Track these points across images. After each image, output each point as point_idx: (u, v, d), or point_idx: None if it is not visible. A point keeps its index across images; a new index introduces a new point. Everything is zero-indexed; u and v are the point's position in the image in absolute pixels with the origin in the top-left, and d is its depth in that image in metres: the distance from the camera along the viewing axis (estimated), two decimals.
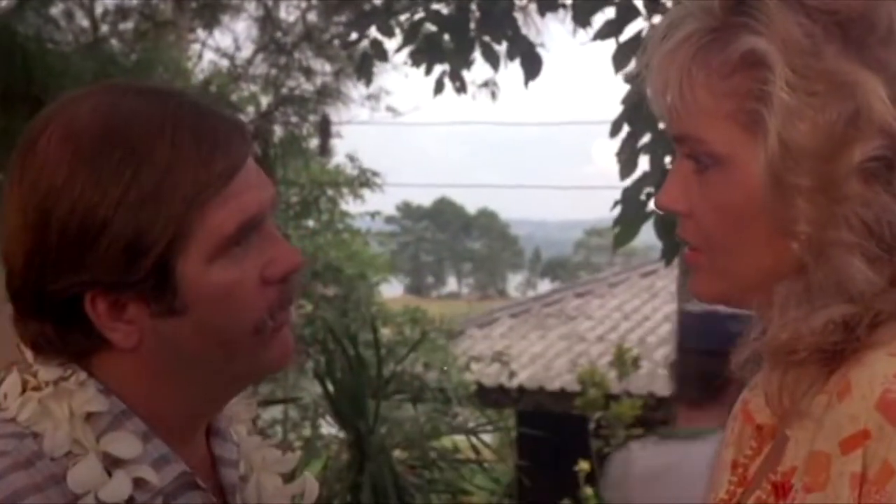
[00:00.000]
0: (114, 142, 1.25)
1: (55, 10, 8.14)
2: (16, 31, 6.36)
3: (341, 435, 6.07)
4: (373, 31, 6.34)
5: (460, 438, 6.96)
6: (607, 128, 5.25)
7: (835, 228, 1.27)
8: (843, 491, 1.24)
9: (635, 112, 5.04)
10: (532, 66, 6.00)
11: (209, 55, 11.80)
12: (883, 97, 1.27)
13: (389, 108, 14.17)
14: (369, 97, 12.64)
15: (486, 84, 8.58)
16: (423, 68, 6.25)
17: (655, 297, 14.70)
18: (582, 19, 5.70)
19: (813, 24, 1.28)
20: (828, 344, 1.28)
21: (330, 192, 14.42)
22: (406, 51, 6.29)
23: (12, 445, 1.25)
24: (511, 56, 6.03)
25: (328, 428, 6.50)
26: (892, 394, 1.24)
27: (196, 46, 11.97)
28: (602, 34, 5.34)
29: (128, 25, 9.94)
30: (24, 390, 1.29)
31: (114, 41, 9.56)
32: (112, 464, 1.26)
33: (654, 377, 11.93)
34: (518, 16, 6.18)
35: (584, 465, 8.86)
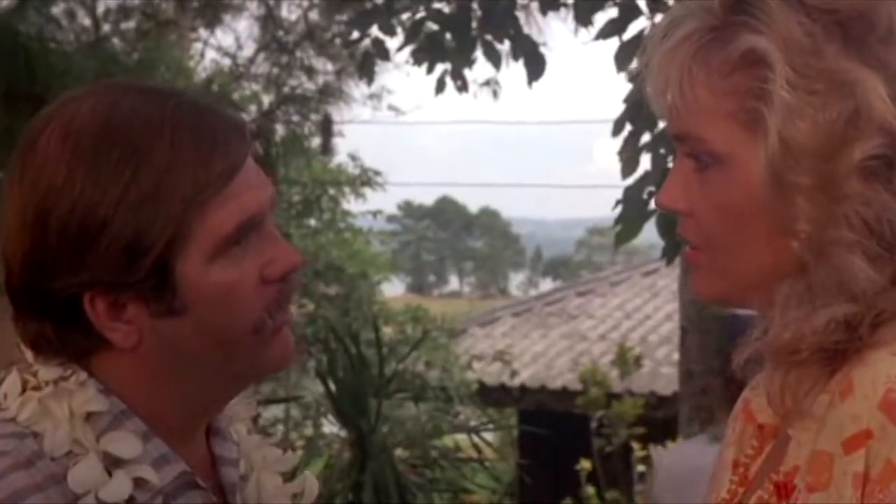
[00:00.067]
0: (113, 141, 1.25)
1: (57, 10, 8.14)
2: (17, 31, 6.35)
3: (343, 434, 6.07)
4: (374, 30, 6.33)
5: (462, 437, 6.96)
6: (609, 126, 5.24)
7: (835, 227, 1.27)
8: (845, 491, 1.24)
9: (637, 111, 5.03)
10: (536, 67, 6.00)
11: (211, 54, 11.80)
12: (883, 96, 1.27)
13: (391, 107, 14.17)
14: (371, 96, 12.65)
15: (487, 83, 8.58)
16: (424, 67, 6.25)
17: (657, 296, 14.70)
18: (583, 18, 5.69)
19: (813, 23, 1.28)
20: (830, 343, 1.28)
21: (332, 191, 14.43)
22: (408, 50, 6.29)
23: (12, 445, 1.25)
24: (515, 56, 6.02)
25: (330, 427, 6.50)
26: (894, 393, 1.24)
27: (198, 45, 11.97)
28: (604, 33, 5.33)
29: (130, 24, 9.94)
30: (24, 390, 1.29)
31: (116, 40, 9.55)
32: (112, 463, 1.26)
33: (656, 376, 11.94)
34: (520, 15, 6.18)
35: (585, 464, 8.88)
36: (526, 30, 6.14)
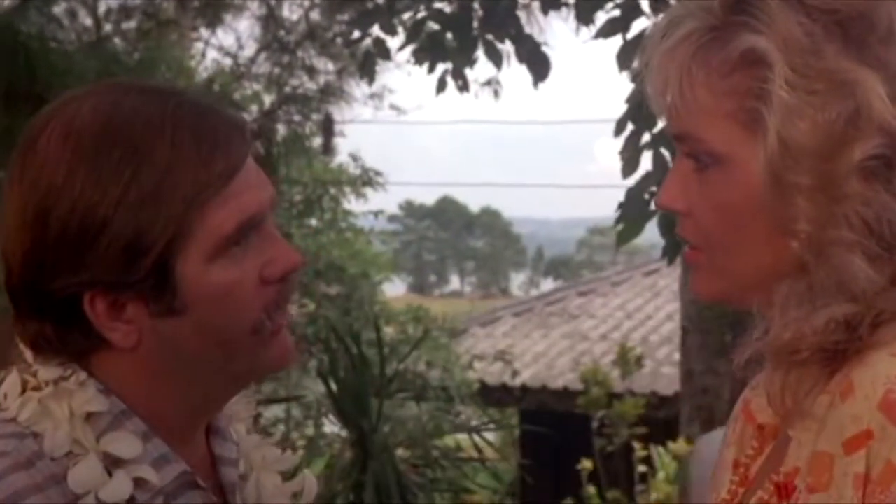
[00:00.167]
0: (114, 141, 1.25)
1: (58, 9, 8.14)
2: (19, 30, 6.35)
3: (344, 434, 6.07)
4: (375, 30, 6.33)
5: (463, 437, 6.96)
6: (610, 126, 5.24)
7: (835, 227, 1.27)
8: (846, 491, 1.24)
9: (639, 111, 5.03)
10: (541, 68, 5.99)
11: (212, 54, 11.79)
12: (882, 96, 1.27)
13: (392, 107, 14.17)
14: (372, 96, 12.64)
15: (488, 82, 8.57)
16: (425, 67, 6.24)
17: (658, 295, 14.70)
18: (585, 17, 5.69)
19: (813, 23, 1.28)
20: (830, 343, 1.28)
21: (333, 190, 14.43)
22: (409, 49, 6.28)
23: (12, 446, 1.25)
24: (519, 58, 6.02)
25: (331, 427, 6.50)
26: (894, 394, 1.24)
27: (199, 45, 11.96)
28: (604, 32, 5.33)
29: (131, 24, 9.93)
30: (24, 390, 1.29)
31: (117, 40, 9.55)
32: (112, 464, 1.26)
33: (657, 376, 11.94)
34: (521, 14, 6.18)
35: (586, 464, 8.87)
36: (527, 29, 6.14)
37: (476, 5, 6.18)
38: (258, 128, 10.07)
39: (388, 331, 12.89)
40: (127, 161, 1.24)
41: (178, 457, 1.30)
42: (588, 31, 5.62)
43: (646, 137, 5.10)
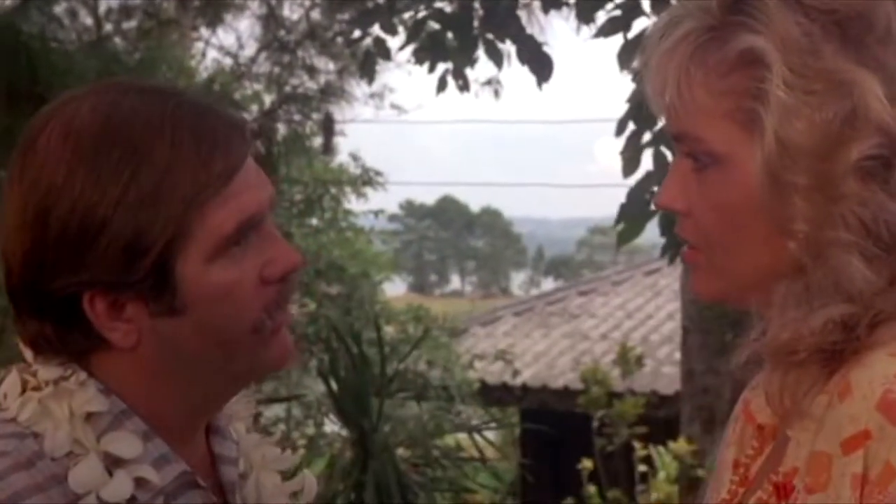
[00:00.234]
0: (114, 141, 1.25)
1: (59, 9, 8.14)
2: (19, 30, 6.35)
3: (345, 433, 6.07)
4: (376, 30, 6.32)
5: (464, 436, 6.95)
6: (610, 126, 5.23)
7: (832, 227, 1.27)
8: (844, 491, 1.24)
9: (640, 110, 5.03)
10: (544, 69, 5.99)
11: (212, 53, 11.78)
12: (880, 96, 1.27)
13: (393, 107, 14.16)
14: (373, 95, 12.64)
15: (489, 82, 8.57)
16: (426, 66, 6.24)
17: (659, 295, 14.70)
18: (585, 16, 5.69)
19: (811, 23, 1.28)
20: (828, 344, 1.28)
21: (333, 190, 14.42)
22: (409, 49, 6.28)
23: (13, 446, 1.25)
24: (521, 59, 6.01)
25: (331, 426, 6.50)
26: (892, 394, 1.24)
27: (199, 45, 11.96)
28: (605, 31, 5.32)
29: (131, 24, 9.93)
30: (24, 390, 1.29)
31: (117, 39, 9.54)
32: (113, 463, 1.26)
33: (658, 375, 11.94)
34: (521, 14, 6.17)
35: (587, 463, 8.86)
36: (528, 29, 6.14)
37: (476, 5, 6.18)
38: (258, 127, 10.06)
39: (389, 330, 12.88)
40: (126, 161, 1.24)
41: (178, 456, 1.30)
42: (588, 31, 5.62)
43: (647, 137, 5.10)
